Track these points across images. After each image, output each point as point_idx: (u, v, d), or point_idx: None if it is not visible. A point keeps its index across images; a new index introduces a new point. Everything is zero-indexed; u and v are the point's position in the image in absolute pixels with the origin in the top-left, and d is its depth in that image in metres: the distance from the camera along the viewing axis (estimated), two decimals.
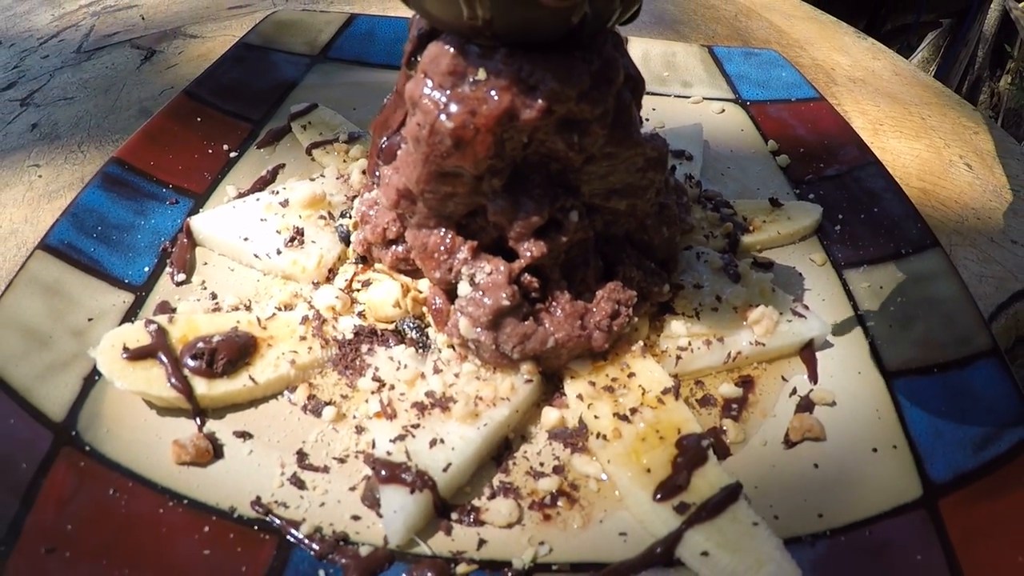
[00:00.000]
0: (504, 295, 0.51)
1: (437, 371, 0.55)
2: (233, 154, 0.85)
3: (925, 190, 0.93)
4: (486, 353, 0.54)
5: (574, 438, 0.55)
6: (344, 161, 0.83)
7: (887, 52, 1.29)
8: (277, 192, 0.75)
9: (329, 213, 0.73)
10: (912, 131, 1.05)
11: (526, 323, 0.52)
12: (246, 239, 0.69)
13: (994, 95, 2.06)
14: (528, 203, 0.50)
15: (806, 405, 0.60)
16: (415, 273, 0.60)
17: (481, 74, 0.44)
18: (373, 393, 0.54)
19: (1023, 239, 0.87)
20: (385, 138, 0.59)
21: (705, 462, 0.52)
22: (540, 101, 0.44)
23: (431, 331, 0.59)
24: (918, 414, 0.58)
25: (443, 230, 0.53)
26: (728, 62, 1.02)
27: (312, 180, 0.78)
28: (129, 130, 0.97)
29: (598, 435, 0.54)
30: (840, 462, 0.56)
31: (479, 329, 0.52)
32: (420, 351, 0.58)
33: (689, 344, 0.60)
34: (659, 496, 0.50)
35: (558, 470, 0.54)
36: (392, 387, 0.54)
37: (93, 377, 0.58)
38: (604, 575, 0.47)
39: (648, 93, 0.73)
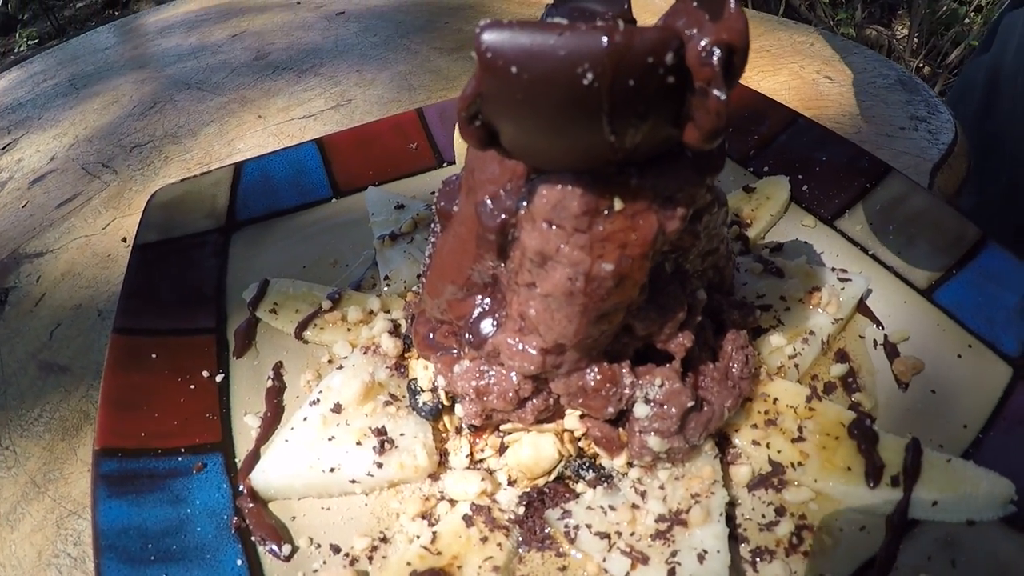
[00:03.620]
0: (685, 398, 0.58)
1: (641, 494, 0.62)
2: (219, 377, 0.80)
3: (816, 117, 1.16)
4: (678, 454, 0.61)
5: (771, 478, 0.65)
6: (348, 330, 0.83)
7: None
8: (317, 401, 0.73)
9: (391, 395, 0.74)
10: (769, 66, 1.28)
11: (704, 410, 0.61)
12: (332, 469, 0.68)
13: None
14: (670, 302, 0.57)
15: (892, 349, 0.76)
16: (552, 417, 0.65)
17: (617, 203, 0.48)
18: (608, 551, 0.59)
19: (908, 123, 1.13)
20: (469, 321, 0.61)
21: (878, 437, 0.65)
22: (680, 209, 0.50)
23: (602, 462, 0.65)
24: (966, 312, 0.77)
25: (596, 366, 0.58)
26: None
27: (340, 368, 0.77)
28: (41, 399, 0.87)
29: (792, 465, 0.64)
30: (945, 379, 0.72)
31: (670, 438, 0.60)
32: (606, 486, 0.63)
33: (794, 349, 0.73)
34: (872, 483, 0.62)
35: (780, 512, 0.63)
36: (619, 534, 0.60)
37: None
38: (881, 567, 0.58)
39: None
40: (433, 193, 1.05)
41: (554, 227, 0.49)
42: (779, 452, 0.65)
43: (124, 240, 1.09)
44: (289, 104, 1.34)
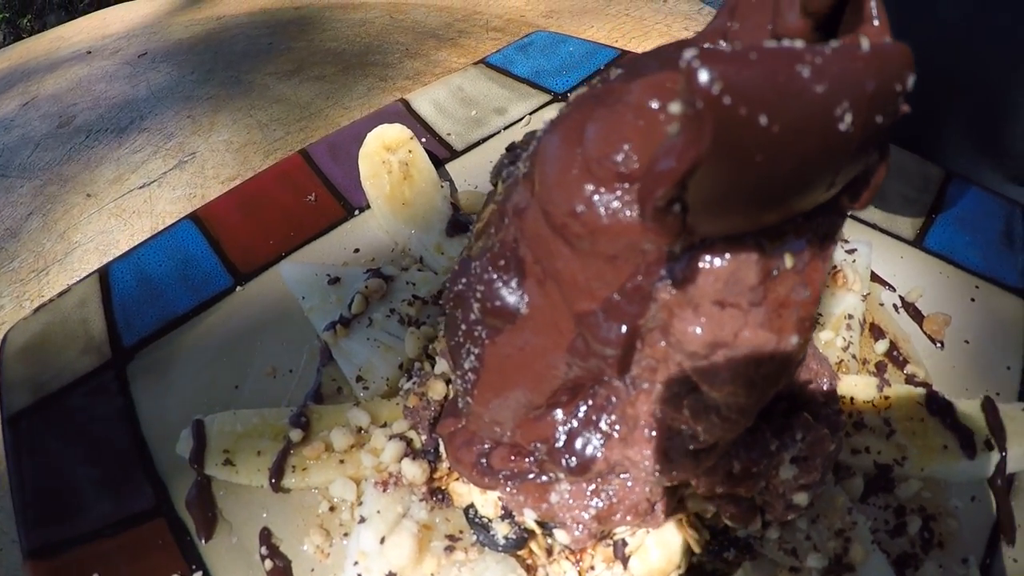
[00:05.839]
0: (828, 442, 0.52)
1: (791, 552, 0.55)
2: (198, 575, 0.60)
3: None
4: (816, 497, 0.55)
5: (880, 483, 0.62)
6: (342, 462, 0.65)
7: None
8: None
9: (447, 537, 0.59)
10: (637, 30, 1.25)
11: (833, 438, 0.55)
12: None
13: None
14: None
15: (915, 311, 0.76)
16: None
17: (788, 260, 0.38)
18: None
19: None
20: (557, 445, 0.50)
21: (952, 405, 0.65)
22: (832, 245, 0.42)
23: (737, 533, 0.57)
24: (961, 253, 0.79)
25: (740, 444, 0.50)
26: (513, 66, 1.04)
27: (361, 522, 0.60)
28: None
29: (895, 461, 0.62)
30: (970, 327, 0.74)
31: (815, 488, 0.53)
32: (749, 557, 0.55)
33: (844, 339, 0.70)
34: (969, 453, 0.62)
35: (900, 512, 0.61)
36: None
37: None
38: (1007, 530, 0.60)
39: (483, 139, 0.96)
40: (357, 251, 0.89)
41: (727, 308, 0.38)
42: (879, 453, 0.63)
43: None
44: (120, 173, 1.06)
